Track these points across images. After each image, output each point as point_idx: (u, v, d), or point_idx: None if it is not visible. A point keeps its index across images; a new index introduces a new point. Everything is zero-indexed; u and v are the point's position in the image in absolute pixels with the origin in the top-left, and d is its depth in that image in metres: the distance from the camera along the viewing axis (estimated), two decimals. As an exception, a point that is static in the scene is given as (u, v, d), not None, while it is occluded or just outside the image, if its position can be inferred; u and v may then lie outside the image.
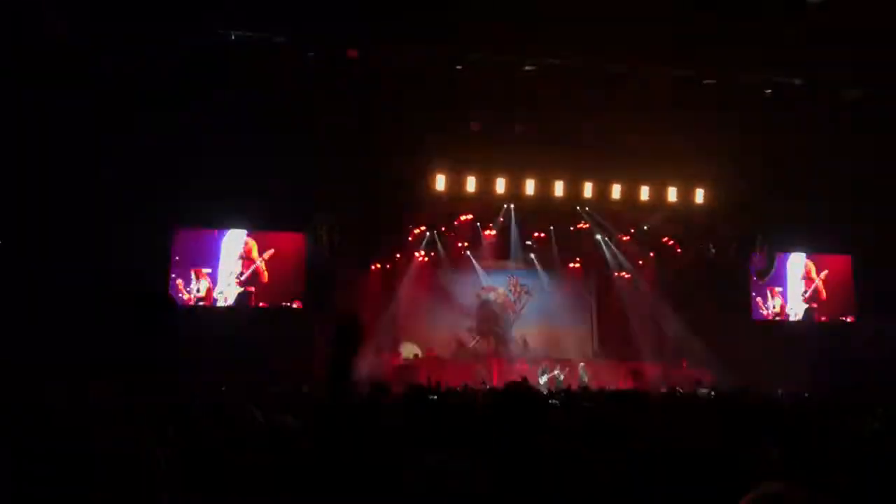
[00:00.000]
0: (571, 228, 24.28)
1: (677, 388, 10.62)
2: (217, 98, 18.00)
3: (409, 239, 23.89)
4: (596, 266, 25.88)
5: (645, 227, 24.41)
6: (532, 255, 25.53)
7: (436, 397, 9.13)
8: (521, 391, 2.99)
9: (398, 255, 24.03)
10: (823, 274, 26.03)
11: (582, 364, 23.10)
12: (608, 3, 15.96)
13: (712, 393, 8.76)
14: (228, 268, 22.00)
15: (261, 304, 21.95)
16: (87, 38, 16.07)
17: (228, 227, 22.07)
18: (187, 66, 17.15)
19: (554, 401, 10.67)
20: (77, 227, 18.65)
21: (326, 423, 3.01)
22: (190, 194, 20.11)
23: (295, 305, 21.99)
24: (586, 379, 21.85)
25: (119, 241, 18.91)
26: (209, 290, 21.76)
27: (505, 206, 23.10)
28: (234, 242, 22.19)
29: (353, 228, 21.75)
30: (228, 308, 21.57)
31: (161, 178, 19.18)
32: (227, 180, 19.66)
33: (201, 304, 21.46)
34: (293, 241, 22.41)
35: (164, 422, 4.17)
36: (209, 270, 21.83)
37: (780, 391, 17.15)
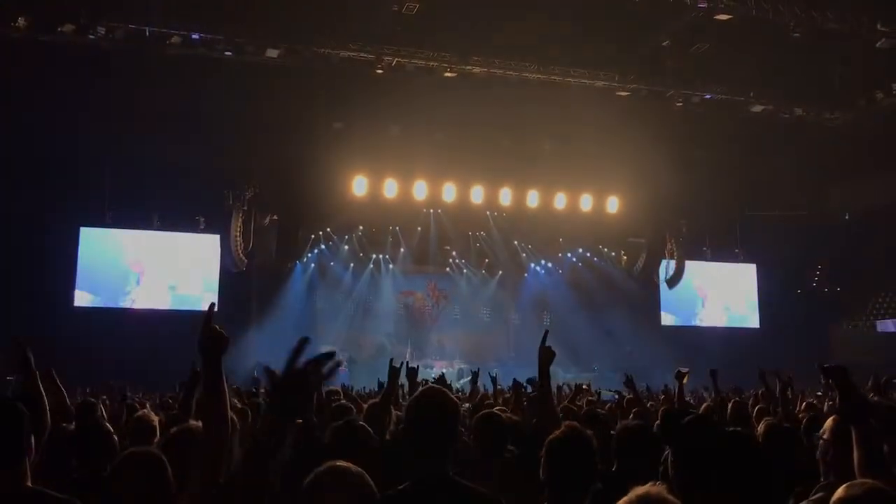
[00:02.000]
0: (484, 234, 24.54)
1: (585, 386, 10.80)
2: (126, 97, 17.50)
3: (329, 242, 23.71)
4: (513, 272, 26.21)
5: (560, 240, 24.92)
6: (451, 260, 25.69)
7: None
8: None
9: (310, 258, 23.79)
10: (729, 283, 26.99)
11: (495, 369, 23.24)
12: (528, 13, 16.25)
13: (616, 396, 8.97)
14: (139, 269, 21.39)
15: (171, 306, 21.41)
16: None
17: (138, 228, 21.44)
18: (96, 61, 16.61)
19: (466, 405, 10.73)
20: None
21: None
22: (97, 194, 19.51)
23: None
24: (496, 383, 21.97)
25: (24, 241, 18.24)
26: (119, 292, 21.13)
27: (424, 210, 23.14)
28: (146, 244, 21.59)
29: (270, 231, 21.45)
30: (138, 311, 20.93)
31: (66, 178, 18.55)
32: (137, 180, 19.14)
33: (110, 305, 20.80)
34: (207, 243, 21.92)
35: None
36: (117, 271, 21.19)
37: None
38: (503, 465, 3.90)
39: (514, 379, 6.32)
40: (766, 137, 21.48)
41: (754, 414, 5.98)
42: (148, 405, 7.95)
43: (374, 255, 24.68)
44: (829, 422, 3.16)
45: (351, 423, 3.73)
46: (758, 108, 20.64)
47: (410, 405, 2.84)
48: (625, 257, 25.66)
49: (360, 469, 2.34)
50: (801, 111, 20.96)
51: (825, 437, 3.16)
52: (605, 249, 25.42)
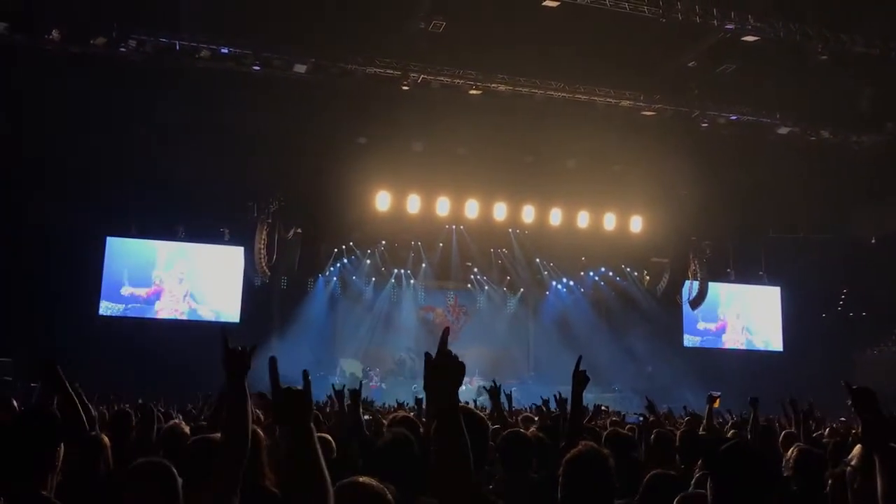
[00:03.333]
0: (506, 251, 24.55)
1: (604, 407, 10.67)
2: (155, 109, 17.71)
3: (351, 256, 23.80)
4: (535, 290, 26.15)
5: (582, 258, 24.86)
6: (472, 277, 25.68)
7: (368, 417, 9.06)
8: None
9: (332, 272, 23.85)
10: (752, 304, 26.73)
11: (514, 388, 23.16)
12: (554, 32, 16.31)
13: (640, 418, 8.88)
14: (164, 279, 21.55)
15: (195, 317, 21.54)
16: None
17: (163, 239, 21.62)
18: (128, 70, 16.87)
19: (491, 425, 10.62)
20: (9, 236, 18.16)
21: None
22: (124, 204, 19.70)
23: (230, 320, 21.63)
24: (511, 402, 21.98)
25: (50, 249, 18.45)
26: (143, 302, 21.29)
27: (446, 226, 23.20)
28: (171, 254, 21.77)
29: (293, 244, 21.55)
30: (162, 321, 21.07)
31: (93, 188, 18.75)
32: (163, 191, 19.32)
33: (131, 315, 20.95)
34: (231, 255, 22.09)
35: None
36: (142, 281, 21.37)
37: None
38: (528, 485, 3.88)
39: (559, 393, 6.03)
40: (791, 159, 21.31)
41: (780, 439, 5.91)
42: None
43: (395, 270, 24.72)
44: (857, 448, 3.11)
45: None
46: (784, 131, 20.55)
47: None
48: (648, 277, 25.52)
49: (381, 485, 2.35)
50: (827, 134, 20.83)
51: (853, 463, 3.11)
52: (628, 269, 25.29)
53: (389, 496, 2.34)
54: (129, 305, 21.08)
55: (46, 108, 17.27)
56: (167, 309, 21.43)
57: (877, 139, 20.94)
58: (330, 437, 4.87)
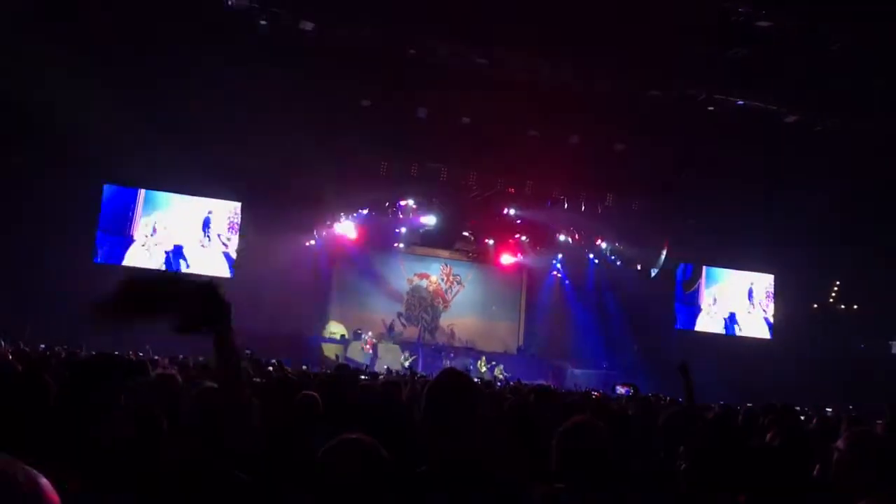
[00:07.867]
0: (504, 224, 24.55)
1: (593, 392, 10.70)
2: (155, 58, 17.54)
3: (345, 218, 23.73)
4: (530, 264, 26.18)
5: (576, 236, 24.90)
6: (467, 246, 25.70)
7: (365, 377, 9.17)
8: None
9: (327, 233, 23.81)
10: (746, 291, 26.81)
11: (500, 366, 22.96)
12: (559, 8, 16.11)
13: (630, 391, 8.93)
14: (162, 230, 21.53)
15: (191, 269, 21.54)
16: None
17: (160, 189, 21.56)
18: (133, 15, 16.68)
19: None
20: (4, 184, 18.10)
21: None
22: (122, 151, 19.55)
23: (223, 275, 21.65)
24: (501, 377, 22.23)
25: (47, 195, 18.39)
26: (140, 252, 21.29)
27: (445, 193, 23.20)
28: (169, 205, 21.73)
29: (289, 204, 21.48)
30: (159, 272, 21.06)
31: (92, 133, 18.58)
32: (163, 144, 19.18)
33: (130, 264, 20.97)
34: (230, 209, 22.08)
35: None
36: (140, 231, 21.35)
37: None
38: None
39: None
40: (796, 147, 21.20)
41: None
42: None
43: (389, 234, 24.67)
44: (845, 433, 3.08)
45: None
46: (791, 119, 20.43)
47: (431, 386, 2.87)
48: (642, 258, 25.53)
49: (373, 440, 2.38)
50: (834, 122, 20.68)
51: (840, 447, 3.07)
52: (623, 248, 25.30)
53: (381, 448, 2.38)
54: (127, 253, 21.11)
55: (43, 58, 16.98)
56: (160, 260, 21.44)
57: (880, 128, 20.77)
58: None
